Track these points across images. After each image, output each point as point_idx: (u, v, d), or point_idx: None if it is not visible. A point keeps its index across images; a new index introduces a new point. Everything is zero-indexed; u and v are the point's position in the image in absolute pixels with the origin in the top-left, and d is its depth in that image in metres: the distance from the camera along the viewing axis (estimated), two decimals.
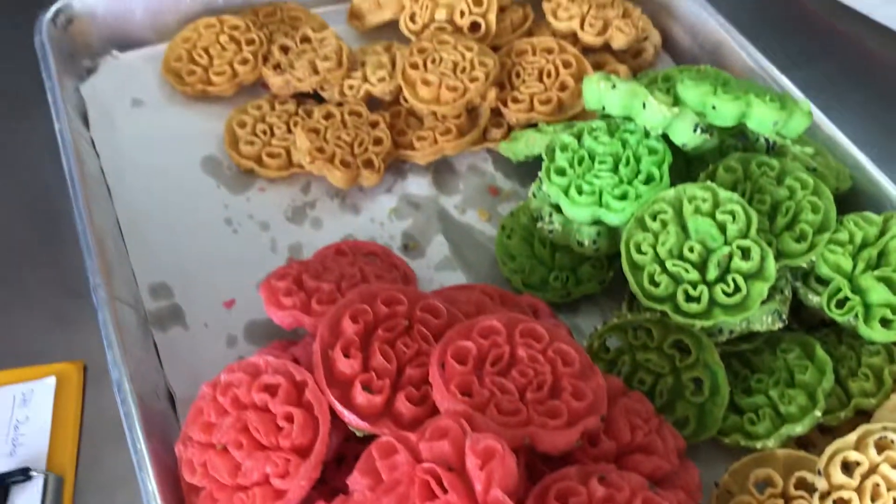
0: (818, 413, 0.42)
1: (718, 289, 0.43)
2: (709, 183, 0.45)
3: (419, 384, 0.38)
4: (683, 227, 0.44)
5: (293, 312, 0.43)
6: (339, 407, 0.37)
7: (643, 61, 0.62)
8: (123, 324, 0.44)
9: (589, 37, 0.59)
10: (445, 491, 0.33)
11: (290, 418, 0.37)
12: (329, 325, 0.39)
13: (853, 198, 0.51)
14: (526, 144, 0.53)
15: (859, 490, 0.38)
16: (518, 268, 0.50)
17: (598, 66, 0.60)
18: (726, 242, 0.43)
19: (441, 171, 0.57)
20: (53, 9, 0.59)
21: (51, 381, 0.46)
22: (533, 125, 0.56)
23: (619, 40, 0.59)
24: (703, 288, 0.43)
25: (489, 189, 0.57)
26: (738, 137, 0.51)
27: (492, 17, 0.60)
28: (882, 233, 0.46)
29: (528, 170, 0.55)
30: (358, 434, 0.38)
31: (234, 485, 0.37)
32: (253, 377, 0.39)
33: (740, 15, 0.68)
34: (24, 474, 0.42)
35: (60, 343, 0.47)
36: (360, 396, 0.37)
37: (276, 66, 0.59)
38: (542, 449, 0.36)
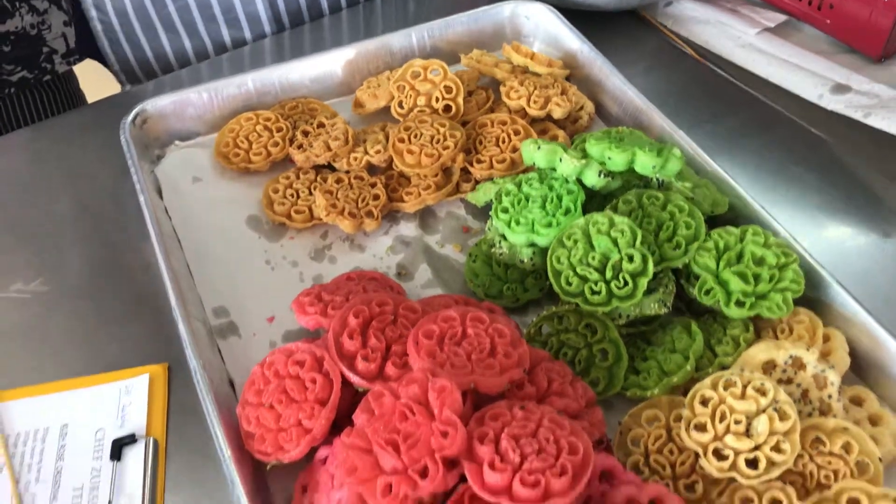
0: (689, 368, 0.58)
1: (613, 285, 0.60)
2: (606, 211, 0.63)
3: (401, 356, 0.56)
4: (589, 243, 0.62)
5: (315, 317, 0.61)
6: (347, 372, 0.55)
7: (580, 126, 0.81)
8: (196, 335, 0.62)
9: (534, 111, 0.78)
10: (415, 414, 0.50)
11: (314, 381, 0.55)
12: (339, 320, 0.57)
13: (733, 219, 0.68)
14: (484, 193, 0.71)
15: (712, 416, 0.55)
16: (481, 283, 0.68)
17: (543, 132, 0.78)
18: (619, 252, 0.61)
19: (425, 216, 0.75)
20: (133, 113, 0.79)
21: (145, 377, 0.64)
22: (491, 179, 0.74)
23: (557, 112, 0.78)
24: (602, 285, 0.60)
25: (462, 228, 0.75)
26: (641, 179, 0.68)
27: (460, 100, 0.79)
28: (741, 240, 0.63)
29: (489, 212, 0.73)
30: (360, 390, 0.55)
31: (276, 429, 0.55)
32: (287, 356, 0.57)
33: (660, 85, 0.87)
34: (131, 439, 0.60)
35: (152, 351, 0.66)
36: (361, 365, 0.55)
37: (300, 146, 0.78)
38: (482, 390, 0.53)
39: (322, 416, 0.54)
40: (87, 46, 1.00)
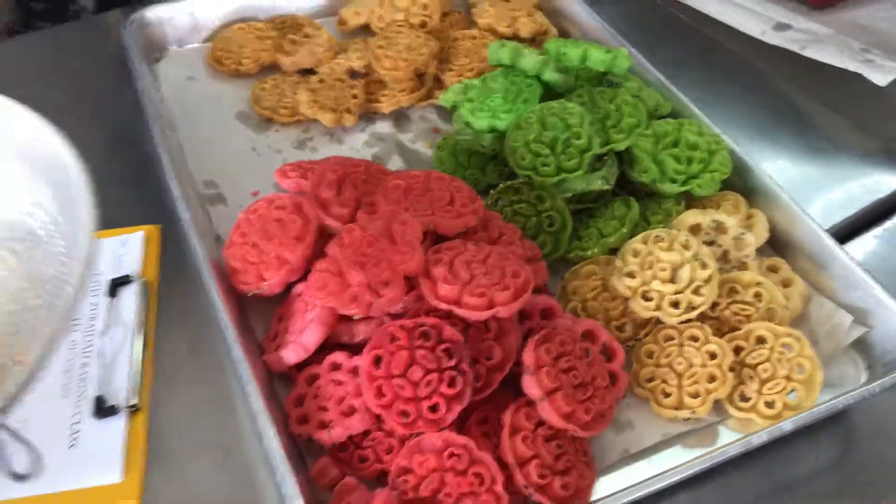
0: (625, 230, 0.66)
1: (562, 159, 0.67)
2: (561, 100, 0.70)
3: (371, 205, 0.63)
4: (543, 126, 0.69)
5: (296, 180, 0.68)
6: (322, 215, 0.62)
7: None
8: (187, 195, 0.69)
9: (501, 28, 0.86)
10: (380, 242, 0.57)
11: (293, 221, 0.62)
12: (318, 175, 0.65)
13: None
14: (453, 93, 0.79)
15: (641, 265, 0.62)
16: (446, 170, 0.75)
17: None
18: (569, 131, 0.68)
19: (399, 118, 0.83)
20: (132, 17, 0.86)
21: (140, 234, 0.70)
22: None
23: (524, 30, 0.86)
24: (552, 159, 0.68)
25: (432, 129, 0.82)
26: (590, 83, 0.76)
27: (436, 17, 0.86)
28: (678, 130, 0.71)
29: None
30: (333, 232, 0.62)
31: (258, 262, 0.62)
32: (270, 203, 0.64)
33: (616, 18, 0.95)
34: (127, 279, 0.67)
35: (146, 214, 0.72)
36: (336, 210, 0.62)
37: (286, 52, 0.85)
38: (440, 231, 0.60)
39: (299, 249, 0.61)
40: None
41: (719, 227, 0.65)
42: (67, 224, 0.51)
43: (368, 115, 0.83)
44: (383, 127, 0.82)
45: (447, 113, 0.83)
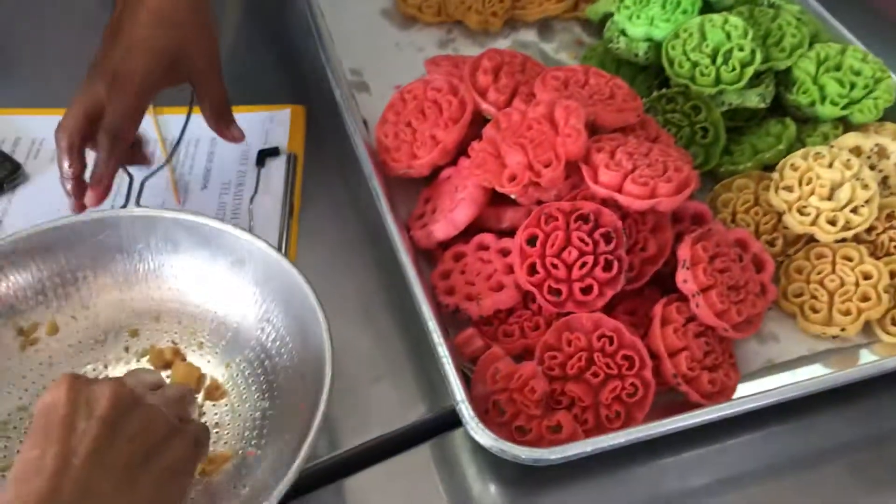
0: (781, 147, 0.64)
1: (722, 70, 0.66)
2: (724, 13, 0.69)
3: (528, 94, 0.63)
4: (703, 36, 0.68)
5: (446, 67, 0.68)
6: (479, 100, 0.62)
7: None
8: (337, 80, 0.70)
9: None
10: (541, 124, 0.57)
11: (449, 103, 0.62)
12: (474, 62, 0.64)
13: None
14: (604, 4, 0.77)
15: (799, 180, 0.61)
16: None
17: None
18: (730, 42, 0.67)
19: (543, 29, 0.82)
20: None
21: (287, 111, 0.72)
22: None
23: None
24: (712, 68, 0.66)
25: (576, 42, 0.81)
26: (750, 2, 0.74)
27: None
28: (841, 54, 0.68)
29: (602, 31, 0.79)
30: (488, 118, 0.62)
31: (412, 140, 0.62)
32: (426, 84, 0.64)
33: None
34: (275, 151, 0.68)
35: (297, 93, 0.73)
36: (492, 95, 0.62)
37: None
38: (600, 123, 0.59)
39: (454, 130, 0.61)
40: None
41: (881, 152, 0.63)
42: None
43: (512, 23, 0.82)
44: (527, 35, 0.81)
45: (592, 27, 0.82)
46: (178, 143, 0.67)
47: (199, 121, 0.67)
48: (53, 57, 0.79)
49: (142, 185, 0.64)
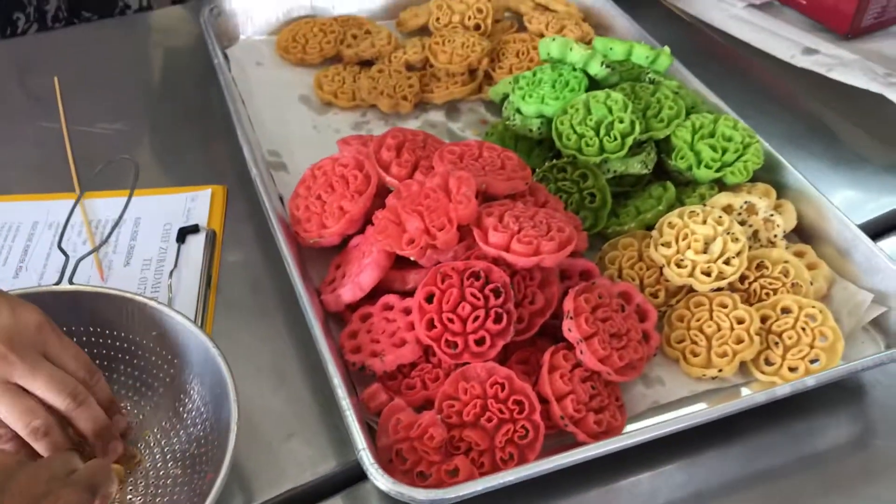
0: (661, 208, 0.70)
1: (605, 140, 0.73)
2: (606, 90, 0.76)
3: (428, 168, 0.68)
4: (588, 111, 0.75)
5: (356, 146, 0.73)
6: (382, 174, 0.67)
7: None
8: (256, 164, 0.74)
9: (550, 34, 0.92)
10: (437, 193, 0.62)
11: (355, 177, 0.67)
12: (378, 140, 0.70)
13: None
14: (502, 86, 0.84)
15: (676, 237, 0.67)
16: None
17: None
18: (612, 115, 0.73)
19: (450, 109, 0.88)
20: (211, 5, 0.93)
21: (208, 191, 0.76)
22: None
23: (571, 36, 0.91)
24: (595, 140, 0.73)
25: (480, 121, 0.88)
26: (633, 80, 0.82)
27: (489, 21, 0.93)
28: (714, 123, 0.76)
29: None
30: (391, 189, 0.67)
31: (321, 212, 0.67)
32: (334, 161, 0.69)
33: (659, 37, 1.01)
34: (195, 228, 0.72)
35: (214, 176, 0.78)
36: (395, 169, 0.67)
37: (348, 45, 0.91)
38: (491, 192, 0.65)
39: (360, 201, 0.66)
40: None
41: (750, 209, 0.69)
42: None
43: (422, 105, 0.88)
44: (436, 116, 0.87)
45: (495, 108, 0.88)
46: (118, 224, 0.71)
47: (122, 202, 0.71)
48: None
49: (76, 264, 0.67)
